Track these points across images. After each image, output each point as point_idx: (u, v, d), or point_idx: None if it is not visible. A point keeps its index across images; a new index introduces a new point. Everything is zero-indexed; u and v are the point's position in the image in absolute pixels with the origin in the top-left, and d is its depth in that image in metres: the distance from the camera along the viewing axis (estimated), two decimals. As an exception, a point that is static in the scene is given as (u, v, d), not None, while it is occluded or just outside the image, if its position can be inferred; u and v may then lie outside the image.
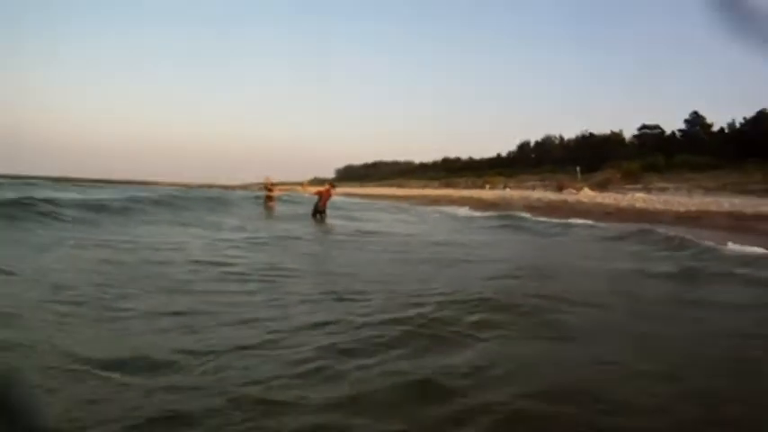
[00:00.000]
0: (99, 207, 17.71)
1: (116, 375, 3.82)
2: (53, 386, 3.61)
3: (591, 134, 63.01)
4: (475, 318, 5.53)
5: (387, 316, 5.55)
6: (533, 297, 6.64)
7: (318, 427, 3.22)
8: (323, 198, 19.82)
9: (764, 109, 49.85)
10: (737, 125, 53.03)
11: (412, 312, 5.69)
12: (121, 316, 5.42)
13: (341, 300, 6.48)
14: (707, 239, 12.58)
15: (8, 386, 2.57)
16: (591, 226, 17.37)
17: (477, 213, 23.30)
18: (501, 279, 8.03)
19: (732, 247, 11.34)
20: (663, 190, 36.42)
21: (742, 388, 3.94)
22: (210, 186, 34.49)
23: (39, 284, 6.58)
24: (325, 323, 5.35)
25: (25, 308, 5.42)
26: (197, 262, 8.91)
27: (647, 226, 16.07)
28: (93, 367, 3.96)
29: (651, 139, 57.30)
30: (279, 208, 22.27)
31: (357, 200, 34.02)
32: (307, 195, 25.86)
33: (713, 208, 21.43)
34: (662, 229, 14.85)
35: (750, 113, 51.64)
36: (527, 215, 20.44)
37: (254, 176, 23.68)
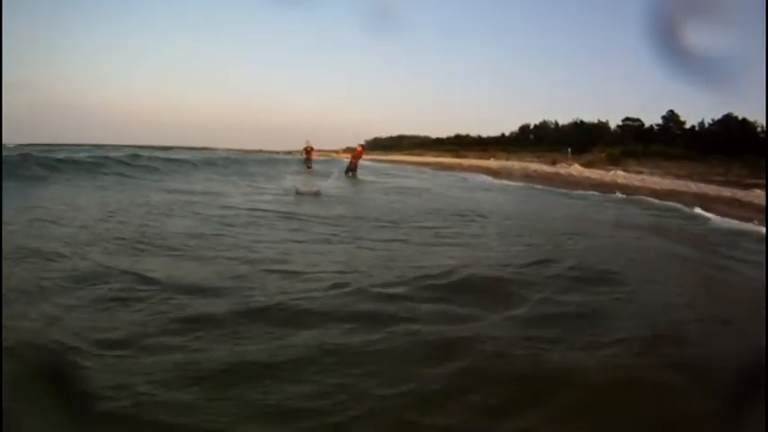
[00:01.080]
0: (161, 163, 17.17)
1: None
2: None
3: (582, 122, 60.82)
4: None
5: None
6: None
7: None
8: (355, 157, 19.03)
9: (730, 113, 47.47)
10: (706, 125, 50.64)
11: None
12: (149, 232, 5.54)
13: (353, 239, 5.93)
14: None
15: (56, 363, 2.36)
16: (594, 195, 16.47)
17: (496, 181, 22.14)
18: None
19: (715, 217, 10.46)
20: (639, 173, 35.03)
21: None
22: (260, 151, 34.42)
23: (99, 210, 7.08)
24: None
25: (82, 226, 5.65)
26: (232, 204, 8.61)
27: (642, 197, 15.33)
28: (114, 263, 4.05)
29: (632, 129, 55.26)
30: (316, 167, 21.65)
31: (384, 165, 33.26)
32: (344, 160, 25.35)
33: (682, 189, 20.58)
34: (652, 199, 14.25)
35: (718, 116, 49.11)
36: (540, 186, 19.30)
37: (297, 144, 23.52)
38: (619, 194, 16.58)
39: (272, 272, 4.10)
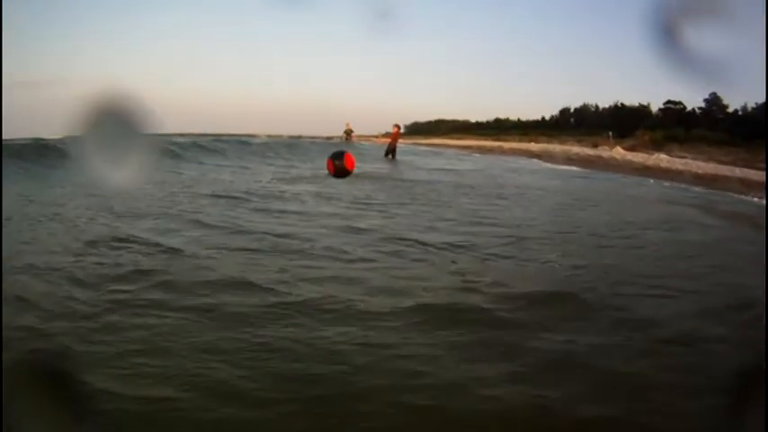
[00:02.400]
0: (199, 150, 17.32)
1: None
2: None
3: (623, 104, 58.88)
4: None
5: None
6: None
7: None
8: (393, 139, 18.85)
9: (774, 95, 44.84)
10: (749, 108, 48.24)
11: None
12: (176, 200, 7.44)
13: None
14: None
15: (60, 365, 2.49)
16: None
17: (542, 164, 21.72)
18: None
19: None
20: (682, 157, 34.24)
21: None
22: (300, 137, 35.11)
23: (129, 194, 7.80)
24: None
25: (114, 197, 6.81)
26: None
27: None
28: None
29: (674, 113, 53.33)
30: (354, 150, 21.49)
31: (424, 148, 33.49)
32: (382, 145, 25.51)
33: (726, 173, 20.20)
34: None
35: (761, 99, 46.38)
36: (587, 170, 18.77)
37: (337, 130, 24.15)
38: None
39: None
